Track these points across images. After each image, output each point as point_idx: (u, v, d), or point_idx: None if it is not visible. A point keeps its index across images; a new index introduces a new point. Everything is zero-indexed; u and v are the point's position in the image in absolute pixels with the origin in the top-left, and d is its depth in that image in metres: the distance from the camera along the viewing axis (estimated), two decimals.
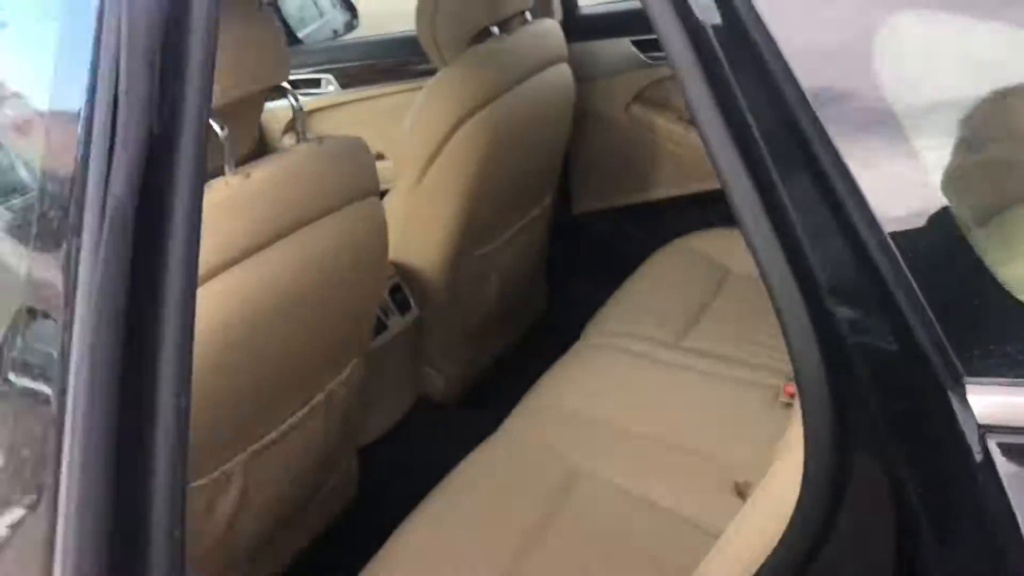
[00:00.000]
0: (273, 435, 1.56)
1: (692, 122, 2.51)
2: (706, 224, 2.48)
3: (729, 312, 2.13)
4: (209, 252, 1.26)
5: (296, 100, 1.43)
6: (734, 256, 2.33)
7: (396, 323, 2.15)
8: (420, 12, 2.08)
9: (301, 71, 2.74)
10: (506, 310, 2.50)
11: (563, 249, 2.76)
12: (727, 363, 1.93)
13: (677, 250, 2.40)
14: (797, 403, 0.92)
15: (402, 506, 2.07)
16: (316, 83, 2.77)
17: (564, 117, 2.37)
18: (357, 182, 1.51)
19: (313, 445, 1.71)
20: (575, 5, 2.59)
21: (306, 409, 1.63)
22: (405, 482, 2.14)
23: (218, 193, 1.28)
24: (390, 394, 2.24)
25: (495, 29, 2.15)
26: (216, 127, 1.28)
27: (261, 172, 1.34)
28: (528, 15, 2.25)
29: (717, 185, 2.76)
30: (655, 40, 2.76)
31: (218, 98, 1.27)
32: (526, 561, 1.43)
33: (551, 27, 2.28)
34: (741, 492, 1.58)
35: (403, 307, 2.17)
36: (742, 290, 2.22)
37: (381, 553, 1.48)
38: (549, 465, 1.65)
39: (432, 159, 2.04)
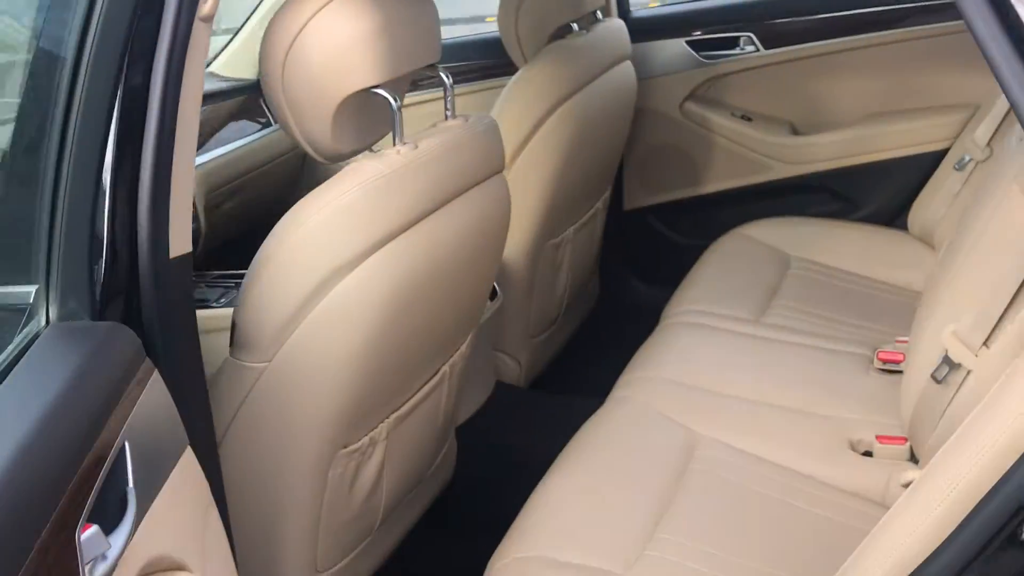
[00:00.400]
0: (411, 403, 1.62)
1: (745, 118, 2.68)
2: (754, 217, 2.58)
3: (799, 293, 2.23)
4: (386, 219, 1.33)
5: (448, 77, 1.51)
6: (792, 242, 2.44)
7: (486, 308, 2.22)
8: (504, 7, 2.17)
9: None
10: (571, 300, 2.58)
11: (614, 243, 2.85)
12: (812, 337, 2.02)
13: (736, 238, 2.50)
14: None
15: (495, 487, 2.14)
16: None
17: (627, 113, 2.48)
18: (494, 158, 1.59)
19: (436, 416, 1.78)
20: (628, 8, 2.70)
21: (436, 379, 1.69)
22: (494, 463, 2.21)
23: (391, 162, 1.35)
24: (475, 378, 2.30)
25: (575, 25, 2.25)
26: (391, 98, 1.36)
27: (427, 144, 1.41)
28: (599, 13, 2.35)
29: (766, 178, 2.90)
30: (709, 40, 2.91)
31: (388, 72, 1.35)
32: (667, 519, 1.50)
33: (619, 26, 2.39)
34: (855, 449, 1.67)
35: (491, 294, 2.25)
36: (805, 273, 2.33)
37: (524, 513, 1.54)
38: (665, 429, 1.72)
39: (519, 151, 2.13)
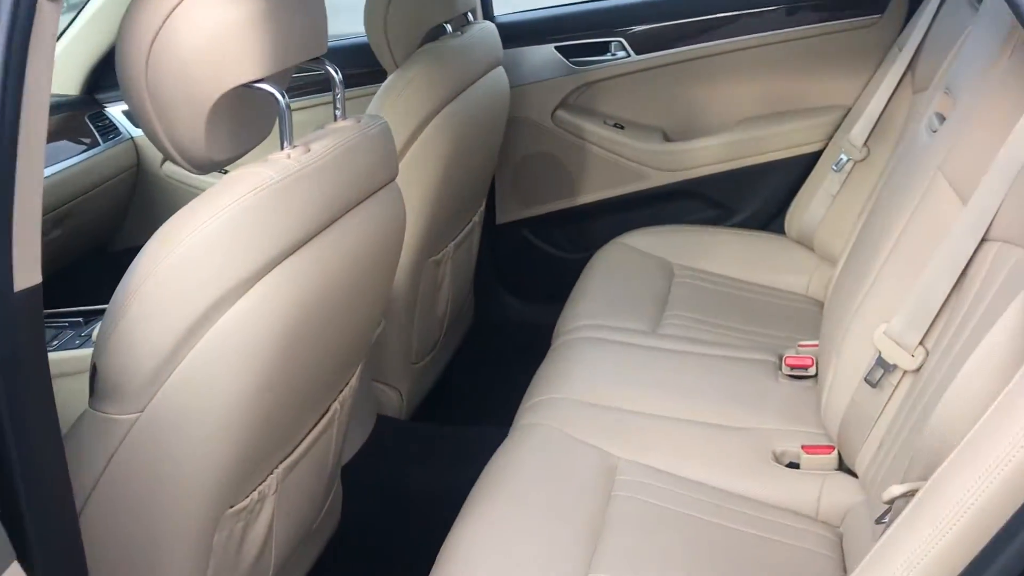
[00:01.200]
0: (302, 448, 1.42)
1: (618, 126, 2.61)
2: (631, 226, 2.51)
3: (688, 302, 2.16)
4: (278, 234, 1.14)
5: (337, 72, 1.33)
6: (672, 250, 2.38)
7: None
8: (370, 11, 2.00)
9: None
10: (451, 321, 2.43)
11: (487, 259, 2.72)
12: (712, 346, 1.95)
13: (617, 248, 2.41)
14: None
15: (385, 527, 1.96)
16: None
17: (501, 120, 2.35)
18: (390, 164, 1.42)
19: (326, 461, 1.58)
20: (492, 13, 2.58)
21: (327, 418, 1.50)
22: (387, 504, 2.02)
23: (282, 168, 1.16)
24: (355, 414, 2.11)
25: (448, 27, 2.11)
26: (278, 94, 1.17)
27: (319, 147, 1.23)
28: (471, 15, 2.22)
29: (641, 187, 2.83)
30: (579, 45, 2.82)
31: (272, 64, 1.16)
32: (600, 553, 1.37)
33: (492, 29, 2.26)
34: (780, 461, 1.59)
35: None
36: (691, 281, 2.27)
37: (442, 561, 1.37)
38: (581, 455, 1.59)
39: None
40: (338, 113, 1.35)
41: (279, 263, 1.14)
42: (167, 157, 1.21)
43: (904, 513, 0.91)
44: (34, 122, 0.93)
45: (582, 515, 1.44)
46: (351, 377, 1.58)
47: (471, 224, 2.39)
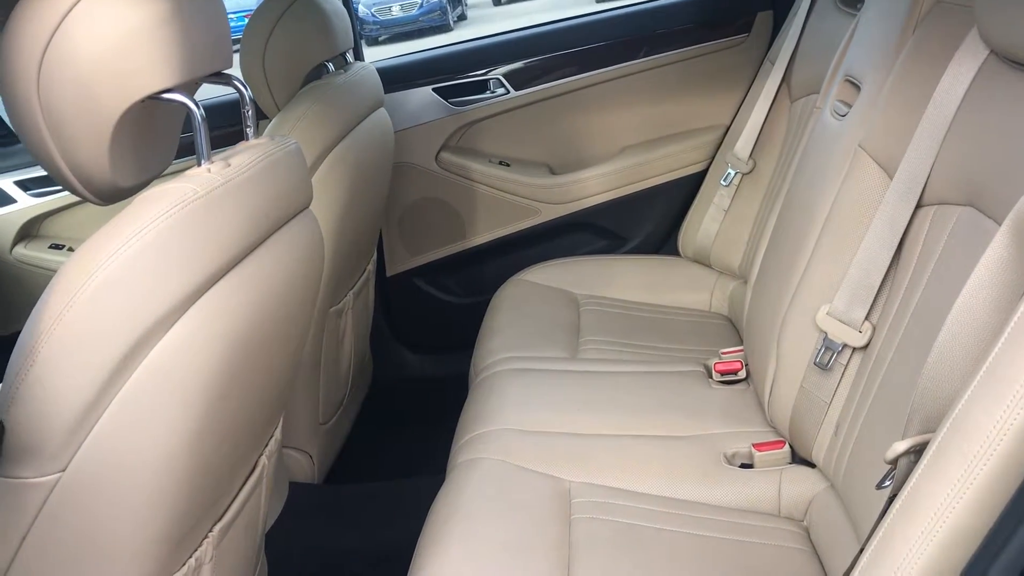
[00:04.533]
0: (234, 508, 1.28)
1: (503, 163, 2.58)
2: (526, 264, 2.47)
3: (602, 328, 2.13)
4: (207, 254, 1.02)
5: (247, 88, 1.22)
6: (573, 282, 2.35)
7: None
8: (247, 52, 1.90)
9: None
10: (354, 379, 2.30)
11: (379, 313, 2.61)
12: (637, 364, 1.91)
13: (517, 285, 2.36)
14: None
15: None
16: None
17: (389, 162, 2.28)
18: (306, 186, 1.32)
19: (256, 523, 1.43)
20: (363, 57, 2.52)
21: (255, 475, 1.36)
22: (314, 570, 1.86)
23: (204, 182, 1.05)
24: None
25: (330, 66, 2.03)
26: (192, 106, 1.06)
27: (239, 161, 1.12)
28: (349, 56, 2.15)
29: (532, 223, 2.80)
30: (457, 85, 2.79)
31: (183, 71, 1.06)
32: (576, 574, 1.28)
33: (371, 70, 2.20)
34: (732, 463, 1.55)
35: None
36: (599, 308, 2.23)
37: None
38: (529, 481, 1.50)
39: None
40: (249, 131, 1.25)
41: (210, 287, 1.03)
42: (65, 187, 1.08)
43: (925, 462, 0.87)
44: None
45: (546, 543, 1.35)
46: (275, 429, 1.45)
47: (366, 273, 2.29)
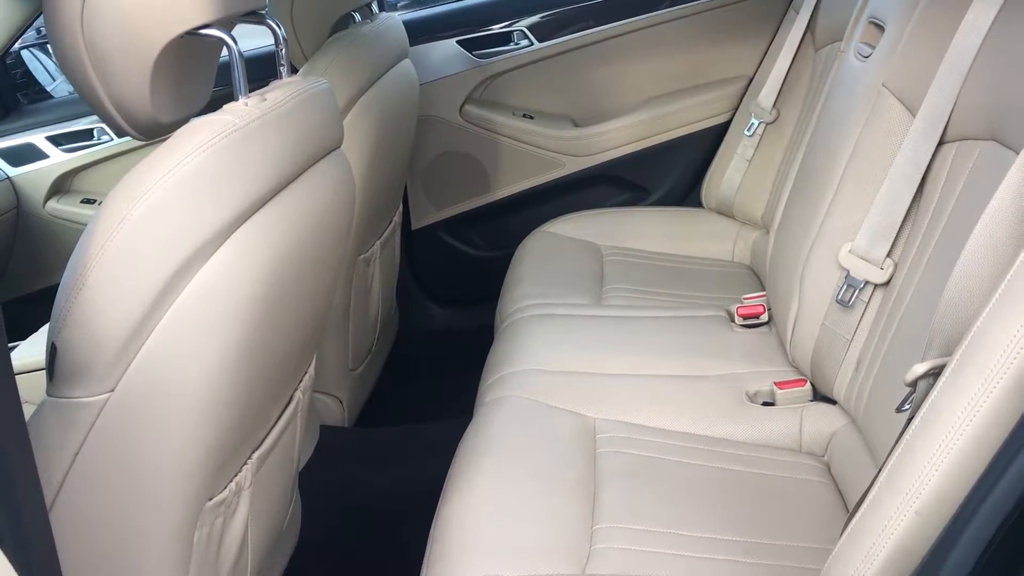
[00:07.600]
0: (272, 438, 1.33)
1: (527, 116, 2.60)
2: (550, 216, 2.49)
3: (625, 277, 2.15)
4: (248, 182, 1.06)
5: (280, 28, 1.25)
6: (597, 233, 2.37)
7: None
8: (275, 2, 1.92)
9: None
10: (382, 327, 2.35)
11: (405, 266, 2.65)
12: (661, 309, 1.94)
13: (541, 236, 2.39)
14: None
15: (346, 541, 1.85)
16: None
17: (414, 112, 2.31)
18: (337, 125, 1.35)
19: (291, 457, 1.48)
20: (390, 8, 2.55)
21: (291, 408, 1.41)
22: (346, 512, 1.91)
23: (243, 115, 1.08)
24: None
25: (356, 15, 2.05)
26: (230, 40, 1.09)
27: (275, 96, 1.16)
28: (375, 7, 2.17)
29: (557, 175, 2.80)
30: (481, 37, 2.80)
31: (219, 6, 1.09)
32: (599, 509, 1.32)
33: (397, 20, 2.22)
34: (754, 401, 1.58)
35: None
36: (622, 259, 2.26)
37: (438, 536, 1.29)
38: (556, 418, 1.54)
39: None
40: (283, 70, 1.28)
41: (252, 214, 1.06)
42: (108, 123, 1.11)
43: (943, 380, 0.90)
44: None
45: (573, 474, 1.39)
46: (309, 366, 1.49)
47: (392, 224, 2.32)
